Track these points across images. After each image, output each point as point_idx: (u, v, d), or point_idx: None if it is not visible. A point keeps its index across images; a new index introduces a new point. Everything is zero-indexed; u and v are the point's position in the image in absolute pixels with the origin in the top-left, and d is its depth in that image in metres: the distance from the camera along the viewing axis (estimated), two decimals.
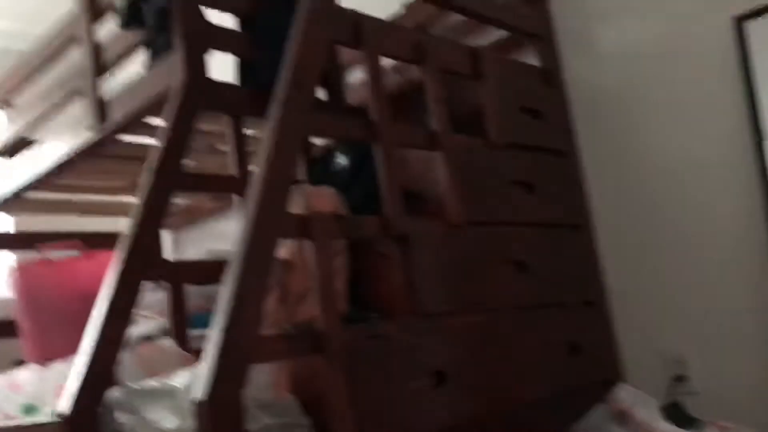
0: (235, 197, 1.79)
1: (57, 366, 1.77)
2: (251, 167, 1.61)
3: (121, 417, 1.30)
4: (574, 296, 1.84)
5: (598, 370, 1.82)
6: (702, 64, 1.81)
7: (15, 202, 2.43)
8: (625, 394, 1.46)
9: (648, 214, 1.89)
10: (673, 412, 1.46)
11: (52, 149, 2.10)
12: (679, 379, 1.77)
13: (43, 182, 2.26)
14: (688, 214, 1.82)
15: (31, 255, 2.13)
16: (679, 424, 1.40)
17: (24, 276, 1.88)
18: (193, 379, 1.17)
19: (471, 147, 1.69)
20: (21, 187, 2.27)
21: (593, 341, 1.83)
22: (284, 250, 1.50)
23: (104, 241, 2.50)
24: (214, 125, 2.12)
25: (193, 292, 1.74)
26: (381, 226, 1.44)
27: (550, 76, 2.01)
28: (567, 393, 1.71)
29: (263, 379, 1.23)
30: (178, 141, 1.55)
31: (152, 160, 1.51)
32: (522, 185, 1.77)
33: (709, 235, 1.78)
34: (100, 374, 1.35)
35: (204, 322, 1.74)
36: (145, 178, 1.50)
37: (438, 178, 1.60)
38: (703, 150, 1.80)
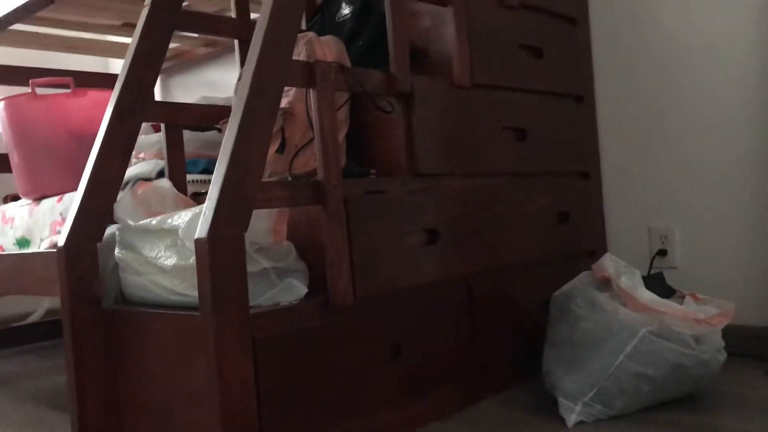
0: (235, 42, 1.73)
1: (48, 202, 1.77)
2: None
3: (120, 252, 1.32)
4: (569, 167, 1.85)
5: (585, 241, 1.87)
6: None
7: None
8: (609, 263, 1.50)
9: (653, 91, 1.87)
10: (654, 283, 1.51)
11: None
12: (662, 253, 1.83)
13: (28, 13, 2.16)
14: (694, 94, 1.79)
15: (14, 90, 2.06)
16: (659, 294, 1.45)
17: (13, 109, 1.83)
18: (194, 219, 1.17)
19: (482, 4, 1.63)
20: (4, 16, 2.17)
21: (584, 212, 1.86)
22: (284, 99, 1.47)
23: (93, 80, 2.44)
24: None
25: (187, 138, 1.72)
26: (385, 80, 1.41)
27: None
28: (553, 260, 1.76)
29: (263, 225, 1.23)
30: None
31: None
32: (530, 50, 1.73)
33: (712, 117, 1.77)
34: (98, 210, 1.35)
35: (199, 167, 1.74)
36: (143, 14, 1.43)
37: (446, 35, 1.55)
38: (718, 28, 1.75)
